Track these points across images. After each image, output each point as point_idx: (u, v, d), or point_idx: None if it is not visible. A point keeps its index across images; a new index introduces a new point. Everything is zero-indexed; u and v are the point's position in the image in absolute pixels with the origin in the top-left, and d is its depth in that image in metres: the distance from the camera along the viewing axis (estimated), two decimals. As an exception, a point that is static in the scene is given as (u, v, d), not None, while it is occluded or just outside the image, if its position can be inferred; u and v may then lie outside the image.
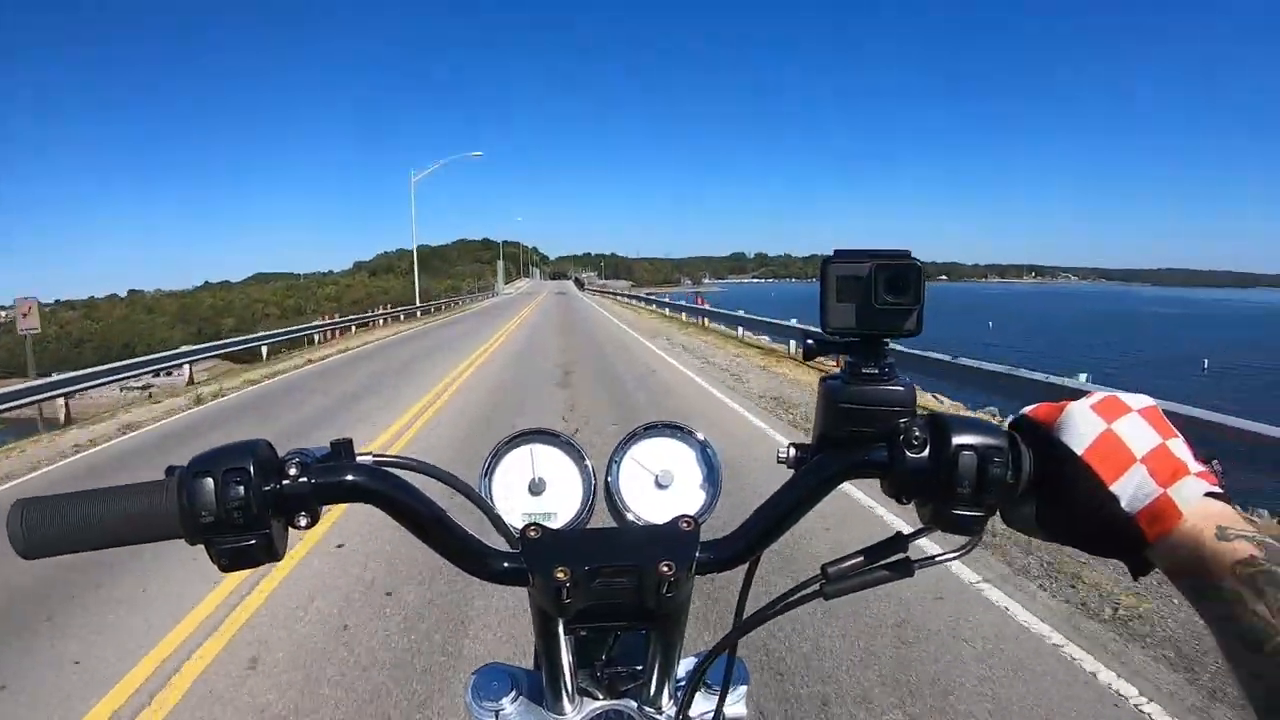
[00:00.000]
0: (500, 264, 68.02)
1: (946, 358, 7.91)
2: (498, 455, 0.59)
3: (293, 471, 0.45)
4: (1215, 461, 0.41)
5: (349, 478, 0.47)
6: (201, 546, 0.43)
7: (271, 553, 0.44)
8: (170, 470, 0.44)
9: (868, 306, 0.46)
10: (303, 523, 0.46)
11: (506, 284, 72.16)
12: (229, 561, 0.43)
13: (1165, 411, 0.44)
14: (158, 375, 13.17)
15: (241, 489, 0.42)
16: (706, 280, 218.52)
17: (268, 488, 0.44)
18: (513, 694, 0.55)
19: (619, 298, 42.65)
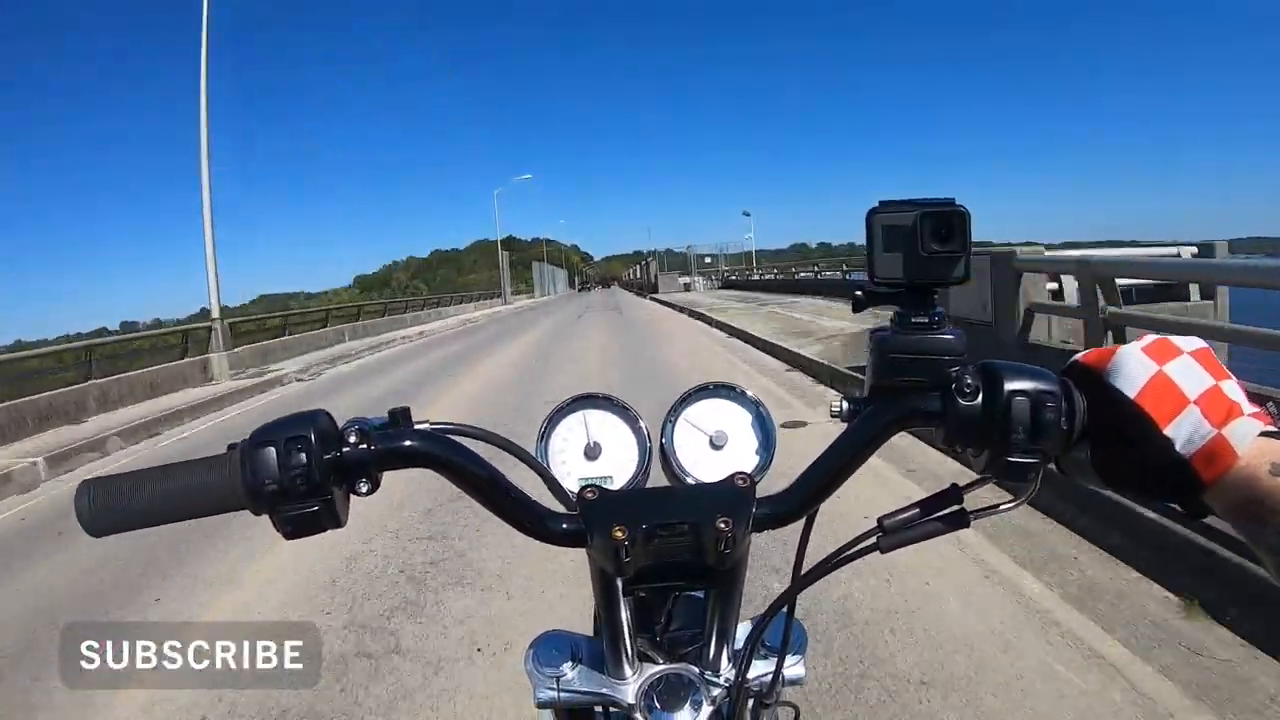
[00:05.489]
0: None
1: None
2: (553, 421, 0.60)
3: (352, 439, 0.46)
4: (1271, 404, 0.40)
5: (408, 443, 0.48)
6: (266, 518, 0.44)
7: (334, 519, 0.45)
8: (232, 446, 0.46)
9: (914, 255, 0.45)
10: (363, 489, 0.47)
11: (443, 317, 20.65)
12: (293, 528, 0.45)
13: None
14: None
15: (303, 456, 0.44)
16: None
17: (329, 455, 0.45)
18: (572, 661, 0.56)
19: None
